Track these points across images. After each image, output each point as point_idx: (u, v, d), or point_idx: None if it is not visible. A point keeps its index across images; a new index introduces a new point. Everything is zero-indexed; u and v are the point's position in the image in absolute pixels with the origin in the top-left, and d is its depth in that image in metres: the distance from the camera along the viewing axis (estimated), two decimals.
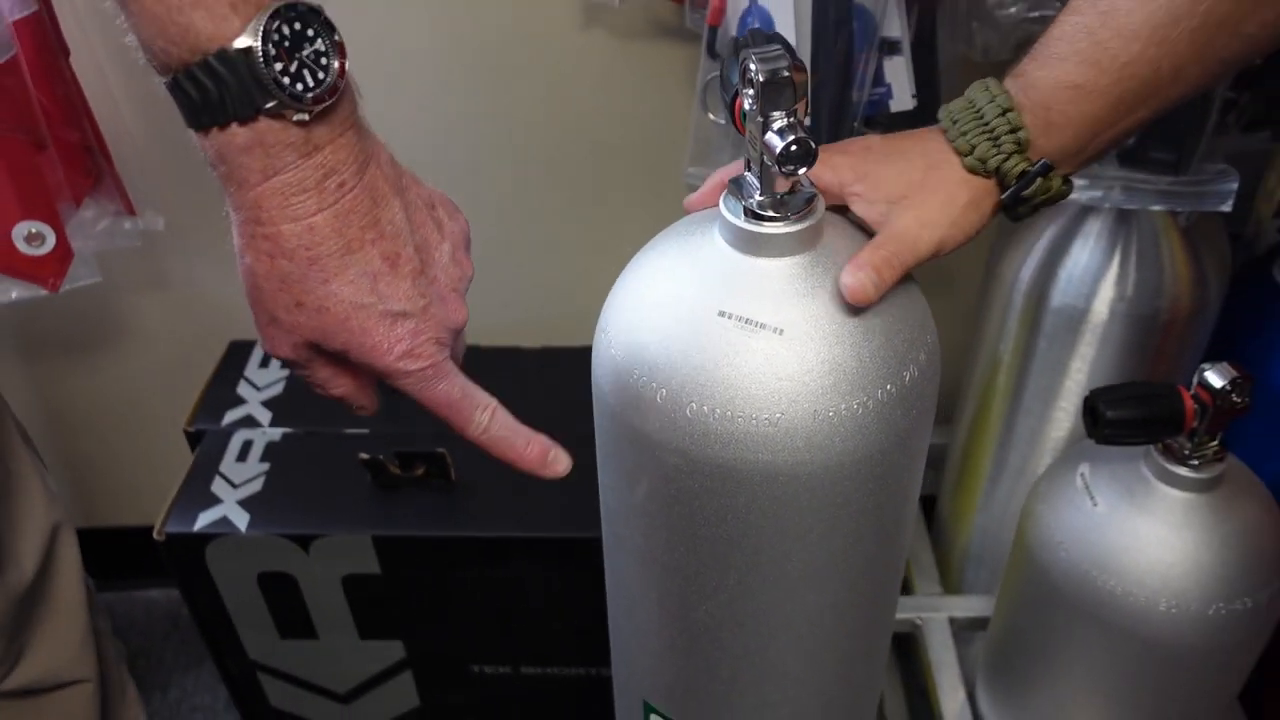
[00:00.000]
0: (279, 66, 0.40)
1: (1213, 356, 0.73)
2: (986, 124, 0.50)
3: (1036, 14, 0.77)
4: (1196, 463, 0.73)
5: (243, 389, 1.07)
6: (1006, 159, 0.50)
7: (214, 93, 0.40)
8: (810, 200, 0.51)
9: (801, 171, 0.48)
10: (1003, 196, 0.52)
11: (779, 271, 0.51)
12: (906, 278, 0.53)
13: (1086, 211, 0.87)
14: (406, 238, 0.46)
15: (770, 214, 0.51)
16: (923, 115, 0.77)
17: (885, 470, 0.53)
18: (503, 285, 1.10)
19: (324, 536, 0.94)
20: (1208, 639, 0.75)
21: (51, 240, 0.91)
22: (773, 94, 0.47)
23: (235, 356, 1.11)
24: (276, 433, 1.02)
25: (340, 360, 0.49)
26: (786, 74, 0.47)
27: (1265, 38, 0.48)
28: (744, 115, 0.49)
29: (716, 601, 0.58)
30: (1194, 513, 0.74)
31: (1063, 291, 0.89)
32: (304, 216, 0.43)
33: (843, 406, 0.50)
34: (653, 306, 0.52)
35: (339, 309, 0.45)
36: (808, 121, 0.49)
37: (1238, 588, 0.73)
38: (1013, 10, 0.79)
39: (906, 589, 1.10)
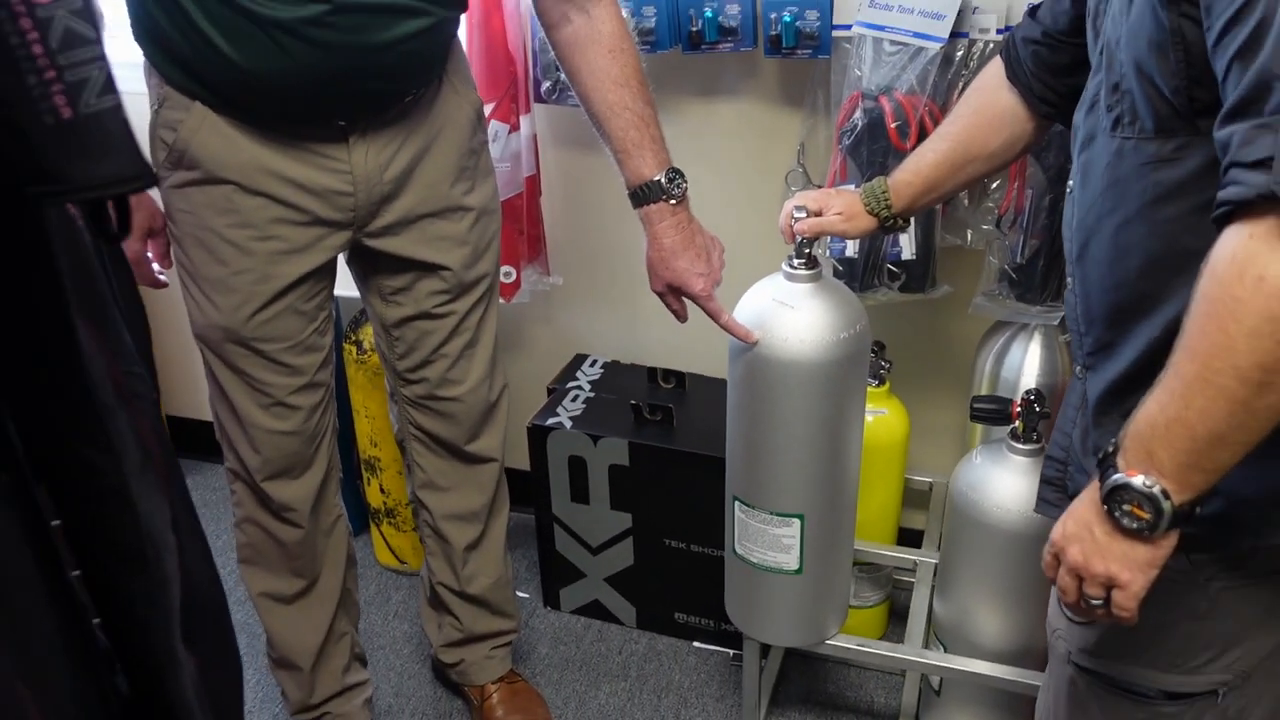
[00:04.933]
0: (672, 184, 1.35)
1: None
2: (875, 194, 1.35)
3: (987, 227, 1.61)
4: (1023, 443, 1.49)
5: (578, 375, 2.03)
6: (881, 208, 1.35)
7: (651, 192, 1.36)
8: (815, 265, 1.38)
9: (803, 257, 1.36)
10: (880, 223, 1.36)
11: (799, 287, 1.38)
12: (849, 296, 1.39)
13: (1022, 327, 1.66)
14: (703, 245, 1.38)
15: (800, 266, 1.38)
16: (920, 262, 1.62)
17: (838, 371, 1.37)
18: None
19: (605, 438, 1.84)
20: (1023, 531, 1.48)
21: (514, 276, 1.92)
22: (800, 245, 1.36)
23: (577, 360, 2.08)
24: (592, 393, 1.96)
25: (677, 293, 1.39)
26: (805, 245, 1.36)
27: (1002, 158, 1.30)
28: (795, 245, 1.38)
29: (761, 426, 1.43)
30: (1021, 467, 1.49)
31: (1005, 369, 1.67)
32: (673, 233, 1.36)
33: (822, 337, 1.35)
34: (752, 298, 1.41)
35: (681, 270, 1.37)
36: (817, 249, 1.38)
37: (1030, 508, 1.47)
38: (985, 228, 1.63)
39: (917, 543, 1.85)
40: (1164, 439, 0.84)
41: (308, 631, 1.64)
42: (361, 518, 2.23)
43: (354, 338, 1.98)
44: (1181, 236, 0.91)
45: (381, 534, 2.15)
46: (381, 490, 2.10)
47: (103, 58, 0.58)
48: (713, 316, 1.39)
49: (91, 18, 0.58)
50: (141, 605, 0.86)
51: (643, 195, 1.37)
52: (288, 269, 1.38)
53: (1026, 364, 1.65)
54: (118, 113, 0.60)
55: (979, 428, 1.74)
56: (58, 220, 0.70)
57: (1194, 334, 0.81)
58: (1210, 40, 0.81)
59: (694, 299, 1.39)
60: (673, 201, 1.37)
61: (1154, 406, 0.85)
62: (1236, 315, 0.77)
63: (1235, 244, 0.78)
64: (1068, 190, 1.06)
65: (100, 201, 0.63)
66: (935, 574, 1.75)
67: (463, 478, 1.67)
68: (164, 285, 1.45)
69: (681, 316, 1.44)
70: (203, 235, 1.34)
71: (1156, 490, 0.84)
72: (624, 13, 1.38)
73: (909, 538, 1.95)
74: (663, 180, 1.36)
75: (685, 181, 1.38)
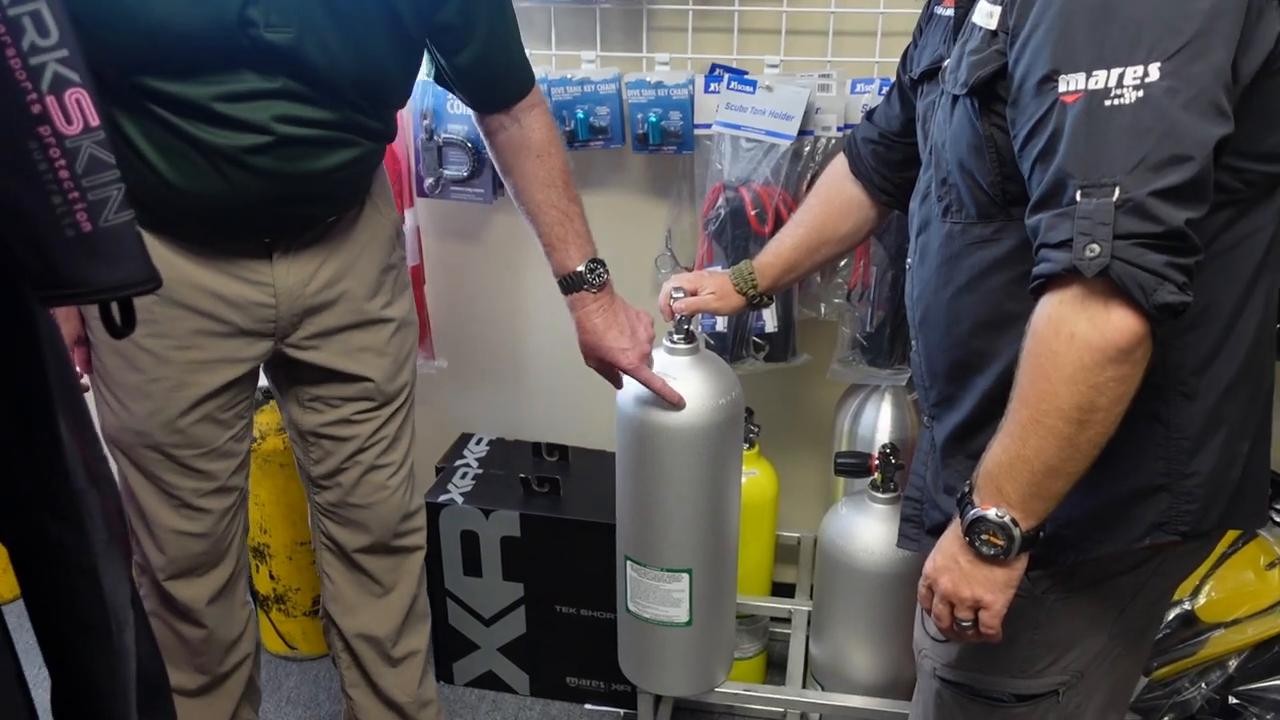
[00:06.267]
0: (592, 274, 1.49)
1: None
2: (743, 275, 1.52)
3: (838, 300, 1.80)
4: (882, 492, 1.67)
5: (465, 453, 2.12)
6: (748, 287, 1.51)
7: (574, 281, 1.49)
8: (693, 339, 1.53)
9: (681, 332, 1.51)
10: (747, 301, 1.52)
11: (680, 360, 1.52)
12: (724, 366, 1.54)
13: (874, 389, 1.85)
14: (626, 322, 1.49)
15: (680, 341, 1.53)
16: (782, 334, 1.79)
17: (718, 434, 1.51)
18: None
19: (496, 511, 1.94)
20: (888, 571, 1.64)
21: None
22: (679, 322, 1.51)
23: (463, 439, 2.17)
24: (480, 469, 2.05)
25: (608, 367, 1.50)
26: (684, 322, 1.51)
27: (851, 240, 1.49)
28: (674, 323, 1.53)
29: (650, 488, 1.55)
30: (882, 514, 1.66)
31: (861, 427, 1.85)
32: (597, 316, 1.48)
33: (703, 404, 1.50)
34: None
35: (609, 347, 1.48)
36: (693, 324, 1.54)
37: (897, 550, 1.63)
38: (837, 302, 1.82)
39: (790, 594, 2.00)
40: (1009, 475, 1.01)
41: None
42: None
43: None
44: (1004, 302, 1.09)
45: (270, 620, 2.17)
46: (271, 576, 2.12)
47: (120, 179, 0.68)
48: (645, 384, 1.48)
49: (112, 145, 0.68)
50: (104, 677, 0.91)
51: (567, 284, 1.50)
52: (206, 379, 1.41)
53: (880, 422, 1.84)
54: (131, 226, 0.69)
55: (841, 482, 1.92)
56: (45, 321, 0.78)
57: (1024, 385, 0.99)
58: (1016, 146, 1.00)
59: (624, 371, 1.50)
60: (594, 289, 1.49)
61: (998, 449, 1.02)
62: (1056, 366, 0.95)
63: (1050, 309, 0.96)
64: (907, 267, 1.24)
65: (108, 302, 0.72)
66: (809, 620, 1.89)
67: (373, 595, 1.67)
68: (85, 390, 1.45)
69: (617, 385, 1.55)
70: (120, 344, 1.36)
71: (1007, 519, 1.01)
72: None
73: (782, 590, 2.10)
74: (584, 271, 1.48)
75: (606, 270, 1.50)
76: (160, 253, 1.33)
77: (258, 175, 1.28)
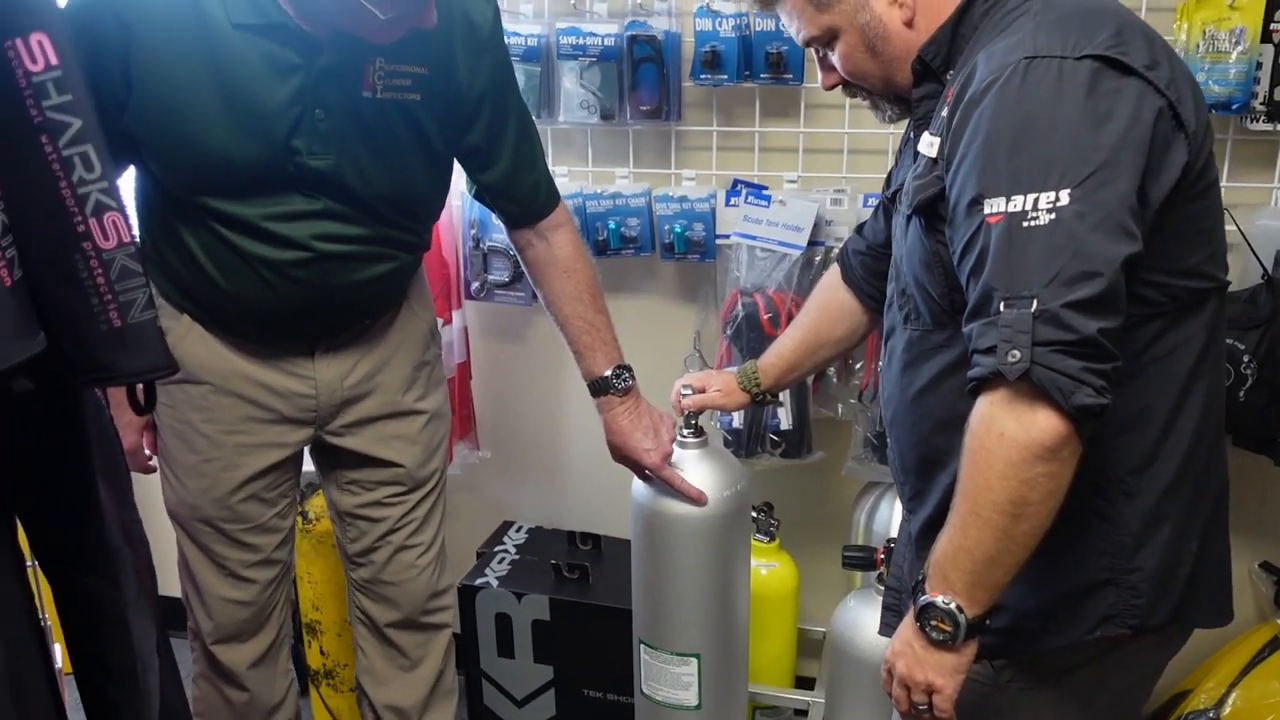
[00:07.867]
0: (618, 379, 1.59)
1: None
2: (747, 374, 1.61)
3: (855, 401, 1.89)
4: (884, 586, 1.73)
5: (505, 539, 2.23)
6: (752, 385, 1.61)
7: (601, 385, 1.60)
8: (702, 434, 1.64)
9: (691, 428, 1.61)
10: (752, 398, 1.62)
11: (689, 453, 1.63)
12: (732, 460, 1.64)
13: (889, 486, 1.91)
14: (650, 425, 1.60)
15: (689, 436, 1.63)
16: (797, 432, 1.88)
17: (724, 525, 1.61)
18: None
19: (528, 595, 2.04)
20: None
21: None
22: (688, 418, 1.62)
23: (504, 526, 2.29)
24: (517, 555, 2.16)
25: (635, 465, 1.61)
26: (693, 418, 1.62)
27: (846, 344, 1.59)
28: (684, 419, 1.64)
29: (660, 574, 1.65)
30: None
31: (876, 523, 1.92)
32: (623, 418, 1.60)
33: (713, 495, 1.59)
34: None
35: (634, 447, 1.59)
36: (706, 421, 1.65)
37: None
38: (852, 402, 1.91)
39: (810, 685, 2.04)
40: (953, 564, 1.08)
41: None
42: (301, 679, 2.35)
43: (300, 508, 2.17)
44: (958, 403, 1.17)
45: (320, 694, 2.29)
46: (322, 652, 2.24)
47: (147, 285, 0.83)
48: (667, 482, 1.58)
49: (141, 257, 0.83)
50: (128, 716, 1.04)
51: (595, 388, 1.61)
52: (253, 460, 1.57)
53: (894, 518, 1.90)
54: (154, 323, 0.84)
55: (859, 576, 1.98)
56: (90, 400, 0.93)
57: (963, 480, 1.07)
58: (955, 261, 1.10)
59: (648, 469, 1.60)
60: (620, 394, 1.61)
61: (945, 539, 1.09)
62: (989, 463, 1.03)
63: (983, 409, 1.05)
64: (879, 370, 1.34)
65: (134, 385, 0.87)
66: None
67: (401, 668, 1.78)
68: (154, 470, 1.63)
69: (640, 476, 1.64)
70: (180, 427, 1.54)
71: (953, 606, 1.07)
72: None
73: (806, 684, 2.14)
74: (611, 376, 1.60)
75: (632, 376, 1.62)
76: (215, 347, 1.51)
77: (300, 285, 1.44)
